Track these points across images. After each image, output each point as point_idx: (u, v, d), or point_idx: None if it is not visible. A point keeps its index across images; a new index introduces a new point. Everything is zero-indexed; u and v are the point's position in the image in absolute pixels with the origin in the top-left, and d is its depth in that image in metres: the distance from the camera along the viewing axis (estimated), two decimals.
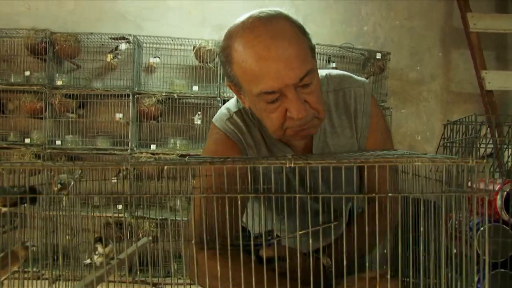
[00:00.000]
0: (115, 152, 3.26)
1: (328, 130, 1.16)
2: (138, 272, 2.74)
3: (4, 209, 0.80)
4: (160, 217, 2.99)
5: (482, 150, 1.31)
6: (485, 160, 0.77)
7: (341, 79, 1.18)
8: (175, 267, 2.74)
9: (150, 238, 1.10)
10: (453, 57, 3.82)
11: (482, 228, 0.87)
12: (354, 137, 1.17)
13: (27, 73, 3.37)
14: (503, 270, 1.01)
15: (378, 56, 3.41)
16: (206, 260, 0.78)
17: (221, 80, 3.28)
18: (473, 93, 3.72)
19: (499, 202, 1.09)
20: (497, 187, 1.12)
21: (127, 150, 3.23)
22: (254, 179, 0.91)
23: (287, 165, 0.74)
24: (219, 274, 0.77)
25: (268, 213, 1.15)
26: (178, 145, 3.26)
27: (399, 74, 3.76)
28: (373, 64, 3.43)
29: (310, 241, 0.80)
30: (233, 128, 1.16)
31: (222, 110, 1.21)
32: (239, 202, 0.77)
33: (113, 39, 3.38)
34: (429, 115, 3.78)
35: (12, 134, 3.38)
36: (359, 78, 1.20)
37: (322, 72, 1.17)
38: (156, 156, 3.14)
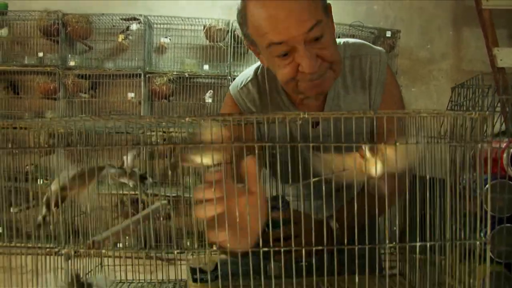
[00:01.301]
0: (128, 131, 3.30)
1: (342, 93, 1.17)
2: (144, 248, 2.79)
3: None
4: (173, 194, 3.04)
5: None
6: (487, 113, 0.79)
7: (358, 47, 1.20)
8: (188, 243, 2.79)
9: (165, 201, 1.14)
10: (464, 36, 3.79)
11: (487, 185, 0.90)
12: (368, 103, 1.18)
13: (40, 54, 3.41)
14: (508, 225, 1.03)
15: (388, 34, 3.40)
16: None
17: (231, 59, 3.30)
18: (484, 71, 3.69)
19: (505, 159, 1.11)
20: (503, 146, 1.15)
21: (139, 129, 3.27)
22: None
23: (301, 117, 0.76)
24: None
25: (276, 178, 1.18)
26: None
27: (409, 53, 3.75)
28: (383, 42, 3.42)
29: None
30: (244, 97, 1.19)
31: (239, 77, 1.25)
32: (256, 152, 0.80)
33: (124, 19, 3.41)
34: (439, 94, 3.77)
35: (26, 115, 3.44)
36: (376, 47, 1.21)
37: (339, 40, 1.19)
38: (168, 134, 3.18)
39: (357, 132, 0.79)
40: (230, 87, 1.25)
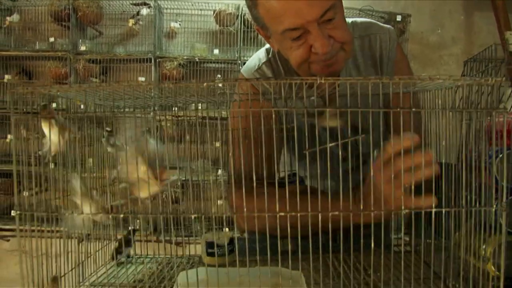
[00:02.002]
0: (138, 115, 3.33)
1: (354, 74, 1.17)
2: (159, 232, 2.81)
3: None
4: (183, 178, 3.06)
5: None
6: (503, 78, 0.80)
7: (367, 26, 1.20)
8: (198, 227, 2.80)
9: (180, 177, 1.14)
10: (476, 20, 3.76)
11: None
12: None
13: (52, 39, 3.43)
14: None
15: (399, 18, 3.39)
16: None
17: (241, 44, 3.30)
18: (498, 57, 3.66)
19: None
20: None
21: (149, 113, 3.29)
22: (279, 121, 0.94)
23: (318, 82, 0.77)
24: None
25: (293, 157, 1.19)
26: (200, 107, 3.32)
27: (419, 38, 3.72)
28: (393, 26, 3.40)
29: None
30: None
31: (251, 60, 1.25)
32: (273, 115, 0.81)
33: (135, 4, 3.42)
34: None
35: (39, 100, 3.46)
36: (385, 25, 1.21)
37: (347, 20, 1.18)
38: (179, 118, 3.20)
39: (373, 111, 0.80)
40: (243, 70, 1.24)
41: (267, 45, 1.22)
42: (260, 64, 1.21)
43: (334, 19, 0.99)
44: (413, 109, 0.80)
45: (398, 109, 0.78)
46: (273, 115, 0.83)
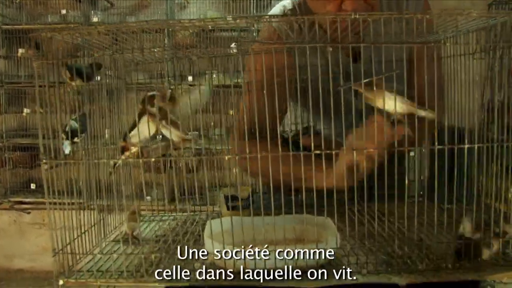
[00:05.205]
0: (152, 84, 3.31)
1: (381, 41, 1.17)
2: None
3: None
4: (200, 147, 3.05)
5: None
6: None
7: None
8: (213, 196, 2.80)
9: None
10: None
11: None
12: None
13: (63, 11, 3.41)
14: None
15: None
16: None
17: (254, 11, 3.25)
18: None
19: None
20: None
21: (164, 83, 3.27)
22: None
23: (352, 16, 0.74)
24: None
25: (305, 111, 1.18)
26: (214, 76, 3.28)
27: None
28: None
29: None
30: (285, 25, 1.18)
31: (275, 8, 1.25)
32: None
33: None
34: None
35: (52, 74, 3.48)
36: None
37: None
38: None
39: (396, 60, 0.81)
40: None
41: None
42: (286, 11, 1.20)
43: None
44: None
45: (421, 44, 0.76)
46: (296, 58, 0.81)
